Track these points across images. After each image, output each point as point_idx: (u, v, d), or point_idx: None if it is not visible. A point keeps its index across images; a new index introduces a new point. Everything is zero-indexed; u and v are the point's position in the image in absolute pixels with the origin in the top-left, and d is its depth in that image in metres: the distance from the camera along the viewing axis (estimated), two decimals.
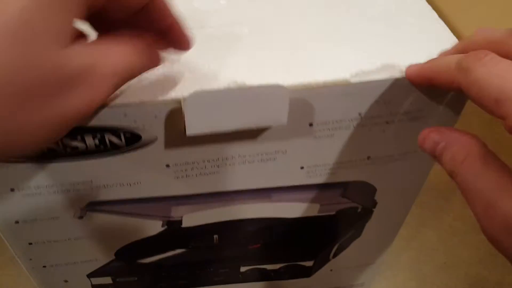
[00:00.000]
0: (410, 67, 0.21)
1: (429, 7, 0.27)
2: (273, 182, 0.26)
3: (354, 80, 0.21)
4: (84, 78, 0.16)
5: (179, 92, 0.20)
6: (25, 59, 0.14)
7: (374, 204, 0.31)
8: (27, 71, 0.14)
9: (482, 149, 0.18)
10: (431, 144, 0.19)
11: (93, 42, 0.18)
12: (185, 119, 0.19)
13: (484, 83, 0.17)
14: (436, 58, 0.22)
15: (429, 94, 0.23)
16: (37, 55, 0.14)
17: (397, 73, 0.22)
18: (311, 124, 0.22)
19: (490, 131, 0.55)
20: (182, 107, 0.19)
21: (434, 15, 0.26)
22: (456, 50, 0.21)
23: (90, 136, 0.22)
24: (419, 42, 0.24)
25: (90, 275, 0.31)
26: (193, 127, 0.19)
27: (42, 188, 0.24)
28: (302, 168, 0.25)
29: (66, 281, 0.32)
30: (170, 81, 0.21)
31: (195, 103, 0.19)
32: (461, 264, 0.50)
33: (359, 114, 0.22)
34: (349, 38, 0.24)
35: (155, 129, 0.21)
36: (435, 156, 0.19)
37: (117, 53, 0.18)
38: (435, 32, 0.25)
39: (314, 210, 0.29)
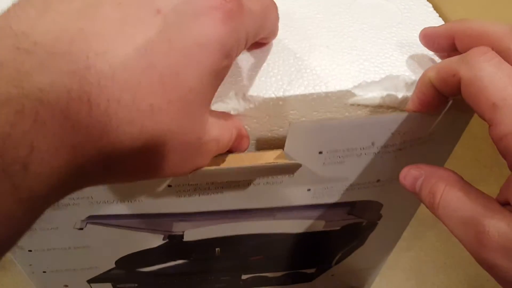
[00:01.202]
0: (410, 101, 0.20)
1: (435, 14, 0.25)
2: (278, 202, 0.25)
3: (357, 92, 0.20)
4: (206, 149, 0.17)
5: None
6: (189, 124, 0.15)
7: (379, 217, 0.30)
8: (185, 134, 0.15)
9: (460, 179, 0.18)
10: (411, 180, 0.19)
11: (215, 115, 0.18)
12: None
13: (486, 83, 0.16)
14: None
15: (441, 118, 0.22)
16: (196, 121, 0.16)
17: (401, 84, 0.21)
18: (320, 152, 0.21)
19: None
20: None
21: (441, 22, 0.25)
22: (448, 29, 0.20)
23: None
24: (426, 51, 0.22)
25: (90, 281, 0.31)
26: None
27: None
28: (309, 190, 0.24)
29: (66, 285, 0.31)
30: None
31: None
32: (461, 264, 0.50)
33: (372, 143, 0.21)
34: (354, 46, 0.22)
35: None
36: (416, 193, 0.19)
37: (229, 131, 0.19)
38: None
39: (319, 226, 0.28)
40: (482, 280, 0.49)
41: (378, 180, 0.25)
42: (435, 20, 0.24)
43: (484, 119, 0.16)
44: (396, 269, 0.48)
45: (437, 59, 0.22)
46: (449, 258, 0.50)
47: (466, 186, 0.18)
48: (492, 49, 0.17)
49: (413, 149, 0.23)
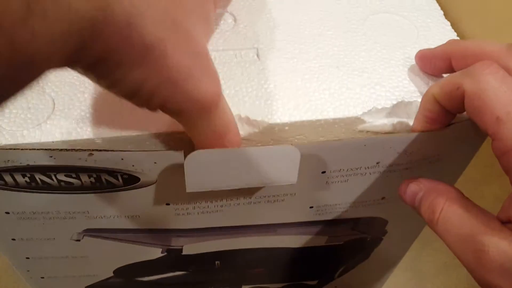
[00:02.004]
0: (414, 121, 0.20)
1: (454, 33, 0.24)
2: (280, 219, 0.24)
3: (366, 118, 0.19)
4: (209, 76, 0.16)
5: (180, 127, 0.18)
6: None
7: (384, 233, 0.29)
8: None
9: (460, 195, 0.18)
10: (410, 195, 0.19)
11: None
12: (186, 177, 0.17)
13: (491, 97, 0.16)
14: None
15: (449, 138, 0.21)
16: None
17: (413, 110, 0.20)
18: (323, 172, 0.21)
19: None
20: (184, 165, 0.17)
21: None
22: (444, 50, 0.20)
23: (85, 175, 0.20)
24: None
25: None
26: (193, 186, 0.18)
27: (38, 214, 0.23)
28: (311, 207, 0.24)
29: None
30: None
31: (197, 162, 0.17)
32: (461, 264, 0.50)
33: (377, 163, 0.21)
34: (365, 67, 0.21)
35: (154, 173, 0.20)
36: (415, 207, 0.19)
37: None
38: None
39: (321, 241, 0.28)
40: None
41: (383, 198, 0.24)
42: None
43: (487, 133, 0.16)
44: (396, 269, 0.48)
45: None
46: (449, 258, 0.50)
47: (466, 202, 0.17)
48: None
49: (421, 169, 0.22)
